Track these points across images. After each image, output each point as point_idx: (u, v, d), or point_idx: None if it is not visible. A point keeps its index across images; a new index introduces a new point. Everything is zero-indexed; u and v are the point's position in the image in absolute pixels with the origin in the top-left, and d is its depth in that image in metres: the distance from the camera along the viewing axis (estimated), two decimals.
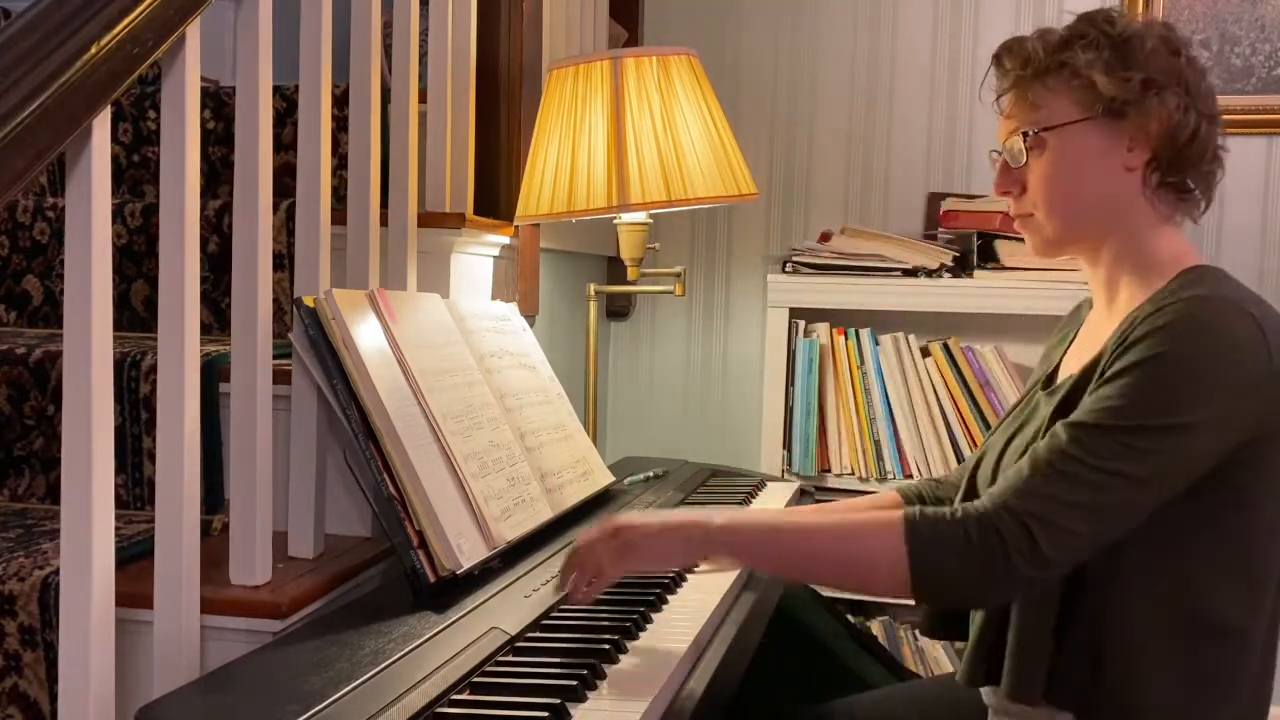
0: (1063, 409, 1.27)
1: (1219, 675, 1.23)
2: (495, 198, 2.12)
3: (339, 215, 1.58)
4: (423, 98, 1.86)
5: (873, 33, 2.93)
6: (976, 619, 1.32)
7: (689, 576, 1.49)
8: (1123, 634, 1.22)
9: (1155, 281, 1.28)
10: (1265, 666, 1.27)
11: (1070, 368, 1.37)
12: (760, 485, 2.10)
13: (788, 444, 2.65)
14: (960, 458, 2.56)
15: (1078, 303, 1.51)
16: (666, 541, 1.27)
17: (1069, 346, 1.44)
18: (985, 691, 1.37)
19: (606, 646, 1.17)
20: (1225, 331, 1.18)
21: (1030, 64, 1.31)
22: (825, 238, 2.76)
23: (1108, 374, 1.21)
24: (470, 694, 1.07)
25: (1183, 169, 1.29)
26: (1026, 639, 1.25)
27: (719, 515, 1.27)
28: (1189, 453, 1.17)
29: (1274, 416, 1.20)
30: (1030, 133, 1.31)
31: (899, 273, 2.60)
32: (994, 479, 1.36)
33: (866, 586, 1.31)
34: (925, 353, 2.64)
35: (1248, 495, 1.22)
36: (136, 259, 2.00)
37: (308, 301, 1.40)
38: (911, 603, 1.27)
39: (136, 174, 2.30)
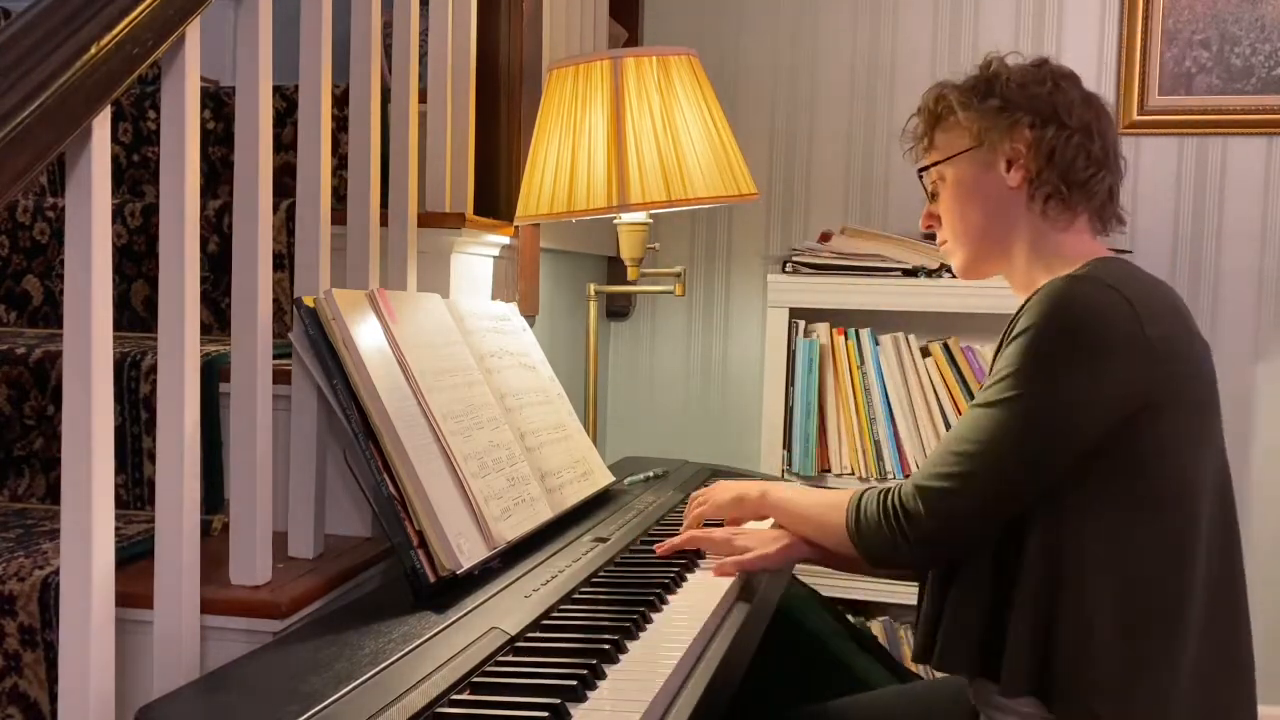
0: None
1: (1154, 656, 1.26)
2: (495, 198, 2.12)
3: (339, 215, 1.58)
4: (423, 98, 1.86)
5: (873, 33, 2.93)
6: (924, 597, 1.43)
7: (689, 576, 1.49)
8: (1070, 613, 1.27)
9: None
10: (1211, 654, 1.29)
11: None
12: None
13: (788, 444, 2.65)
14: None
15: None
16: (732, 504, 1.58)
17: None
18: (970, 690, 1.40)
19: (606, 646, 1.17)
20: (1088, 303, 1.27)
21: (925, 115, 1.50)
22: (825, 238, 2.76)
23: (994, 357, 1.35)
24: (470, 694, 1.07)
25: (1055, 179, 1.40)
26: (954, 615, 1.34)
27: (769, 491, 1.55)
28: (1064, 418, 1.26)
29: (1160, 384, 1.27)
30: (925, 166, 1.50)
31: (899, 273, 2.60)
32: None
33: (834, 546, 1.46)
34: (925, 353, 2.64)
35: (1154, 465, 1.28)
36: (136, 259, 2.00)
37: (308, 301, 1.40)
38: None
39: (136, 174, 2.30)
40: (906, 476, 2.58)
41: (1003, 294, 2.54)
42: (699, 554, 1.58)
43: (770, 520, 1.57)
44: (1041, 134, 1.40)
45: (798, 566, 1.90)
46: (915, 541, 1.33)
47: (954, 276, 2.55)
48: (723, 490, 1.60)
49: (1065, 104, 1.41)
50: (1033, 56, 1.48)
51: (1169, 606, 1.28)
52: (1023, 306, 1.32)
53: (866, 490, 1.41)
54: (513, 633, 1.20)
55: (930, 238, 2.72)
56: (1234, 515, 1.36)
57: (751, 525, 1.60)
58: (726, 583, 1.45)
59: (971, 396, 2.57)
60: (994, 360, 1.35)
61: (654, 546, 1.57)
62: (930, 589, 1.39)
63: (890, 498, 1.36)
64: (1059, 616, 1.27)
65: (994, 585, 1.32)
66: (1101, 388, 1.26)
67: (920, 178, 1.52)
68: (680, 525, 1.63)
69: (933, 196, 1.51)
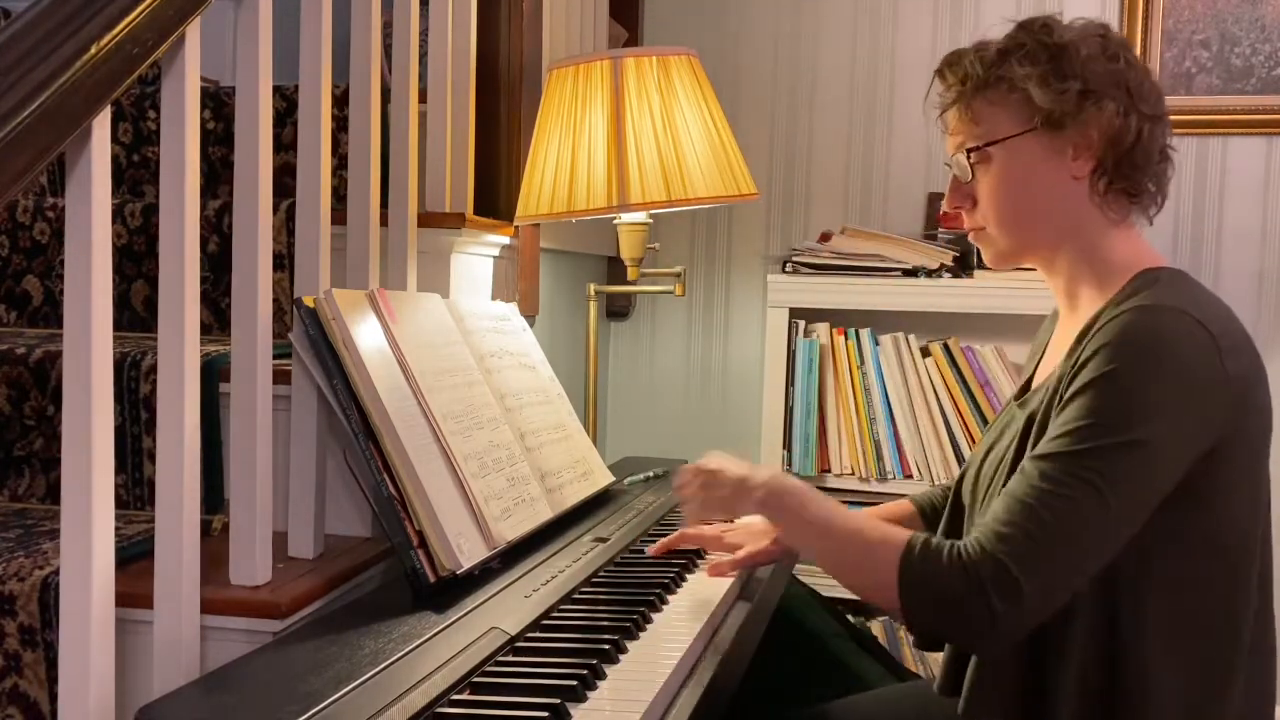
0: (1030, 422, 1.27)
1: (1216, 678, 1.22)
2: (495, 198, 2.12)
3: (339, 215, 1.58)
4: (423, 98, 1.86)
5: (873, 33, 2.93)
6: None
7: (689, 576, 1.49)
8: (1127, 661, 1.20)
9: (1112, 286, 1.28)
10: (1258, 668, 1.26)
11: (1040, 378, 1.37)
12: None
13: (788, 444, 2.65)
14: (960, 458, 2.56)
15: (1050, 312, 1.51)
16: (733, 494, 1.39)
17: (1041, 357, 1.45)
18: None
19: (606, 646, 1.17)
20: (1173, 343, 1.16)
21: (969, 79, 1.32)
22: (825, 238, 2.76)
23: (1064, 398, 1.20)
24: (470, 694, 1.07)
25: (1130, 173, 1.28)
26: (990, 664, 1.24)
27: (773, 482, 1.35)
28: (1151, 467, 1.15)
29: (1232, 423, 1.19)
30: (974, 148, 1.32)
31: (899, 273, 2.60)
32: (974, 489, 1.37)
33: (862, 594, 1.30)
34: (925, 353, 2.64)
35: (1218, 498, 1.20)
36: (136, 259, 2.00)
37: (308, 301, 1.40)
38: None
39: (136, 174, 2.30)
40: (907, 477, 2.60)
41: (1003, 294, 2.56)
42: (699, 553, 1.58)
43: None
44: (1125, 123, 1.25)
45: (797, 566, 1.90)
46: (1007, 622, 1.14)
47: (954, 276, 2.59)
48: (719, 484, 1.42)
49: (1138, 85, 1.27)
50: (1083, 20, 1.32)
51: (1225, 655, 1.21)
52: (1090, 334, 1.21)
53: (919, 541, 1.19)
54: (513, 633, 1.20)
55: (931, 236, 2.74)
56: (1270, 555, 1.28)
57: (744, 520, 1.57)
58: (726, 583, 1.45)
59: (972, 396, 2.57)
60: (1060, 393, 1.21)
61: (646, 548, 1.57)
62: None
63: (976, 566, 1.14)
64: (1114, 665, 1.19)
65: (1037, 640, 1.21)
66: (1187, 429, 1.16)
67: (968, 155, 1.32)
68: (679, 526, 1.63)
69: (963, 174, 1.34)
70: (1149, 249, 1.33)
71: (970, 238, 1.39)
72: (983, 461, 1.38)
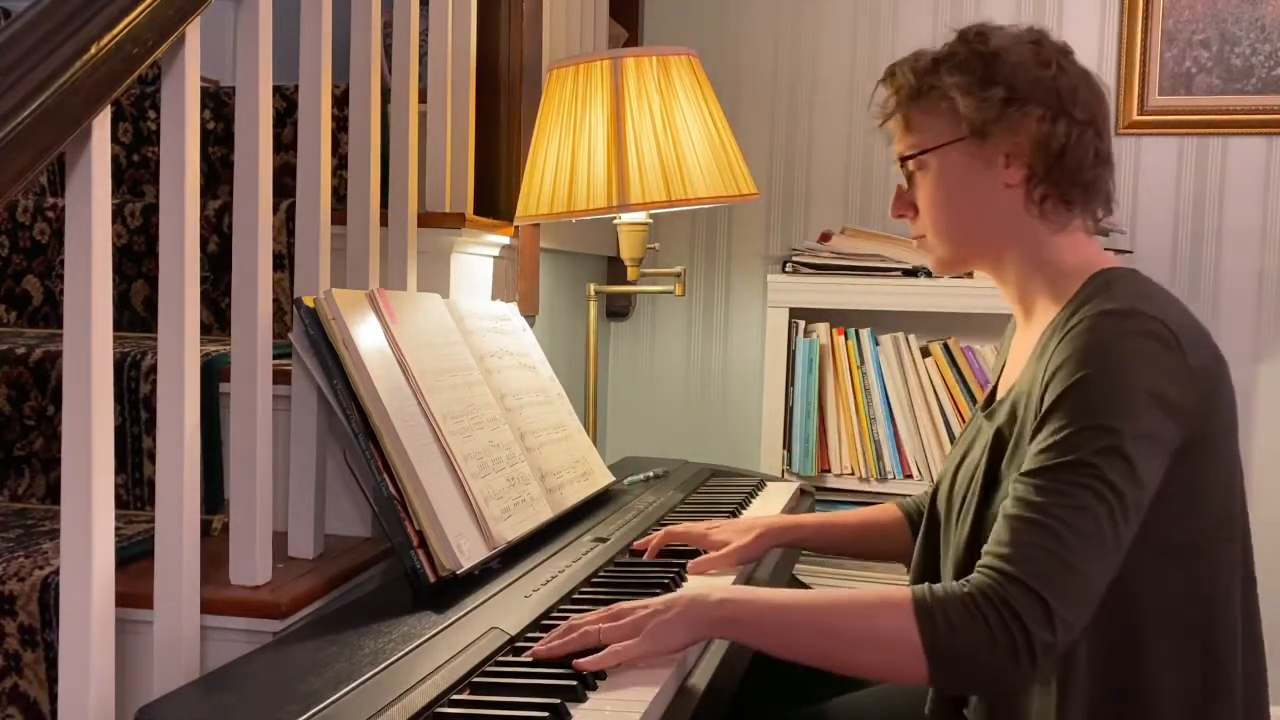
0: (1000, 436, 1.26)
1: (1219, 679, 1.22)
2: (495, 198, 2.12)
3: (339, 215, 1.58)
4: (423, 98, 1.86)
5: (873, 33, 2.93)
6: None
7: (689, 576, 1.49)
8: (1134, 658, 1.19)
9: (1065, 291, 1.27)
10: (1252, 665, 1.26)
11: (1004, 387, 1.37)
12: (760, 485, 2.10)
13: (788, 444, 2.65)
14: None
15: (1011, 321, 1.50)
16: (669, 626, 1.14)
17: (1004, 365, 1.45)
18: None
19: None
20: (1135, 343, 1.16)
21: (903, 89, 1.33)
22: (825, 238, 2.76)
23: (1041, 415, 1.18)
24: (470, 694, 1.07)
25: (1061, 179, 1.27)
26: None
27: (717, 590, 1.18)
28: (1141, 463, 1.14)
29: (1203, 415, 1.19)
30: (907, 157, 1.33)
31: (899, 273, 2.60)
32: (949, 501, 1.36)
33: (884, 671, 1.17)
34: (925, 353, 2.64)
35: (1201, 492, 1.20)
36: (136, 259, 2.00)
37: (308, 301, 1.40)
38: None
39: (136, 174, 2.30)
40: (907, 477, 2.59)
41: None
42: (698, 552, 1.58)
43: (748, 511, 1.49)
44: (1052, 130, 1.26)
45: (798, 566, 1.90)
46: (1051, 646, 1.08)
47: (954, 277, 2.58)
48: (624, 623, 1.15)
49: (1070, 91, 1.27)
50: (1023, 26, 1.33)
51: (1224, 648, 1.20)
52: (1051, 343, 1.21)
53: (924, 600, 1.11)
54: (513, 633, 1.20)
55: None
56: (1249, 542, 1.28)
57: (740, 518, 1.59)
58: (726, 583, 1.45)
59: (972, 396, 2.57)
60: (1037, 410, 1.19)
61: (637, 549, 1.56)
62: None
63: (1001, 603, 1.08)
64: (1121, 672, 1.19)
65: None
66: (1164, 428, 1.15)
67: (903, 164, 1.35)
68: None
69: (908, 180, 1.36)
70: (1098, 251, 1.33)
71: (915, 245, 1.40)
72: (955, 473, 1.37)
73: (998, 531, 1.15)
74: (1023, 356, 1.31)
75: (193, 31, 1.21)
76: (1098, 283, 1.25)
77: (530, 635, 1.22)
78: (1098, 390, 1.14)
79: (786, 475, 2.62)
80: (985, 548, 1.16)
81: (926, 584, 1.14)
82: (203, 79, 1.73)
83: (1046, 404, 1.17)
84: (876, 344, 2.64)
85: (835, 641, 1.13)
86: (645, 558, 1.54)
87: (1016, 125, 1.26)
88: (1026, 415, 1.22)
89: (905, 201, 1.37)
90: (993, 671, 1.09)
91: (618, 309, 3.06)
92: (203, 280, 1.93)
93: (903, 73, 1.34)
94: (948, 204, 1.32)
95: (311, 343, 1.39)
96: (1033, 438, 1.18)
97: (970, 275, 2.58)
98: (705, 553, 1.53)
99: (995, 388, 1.44)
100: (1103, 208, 1.33)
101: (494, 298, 2.06)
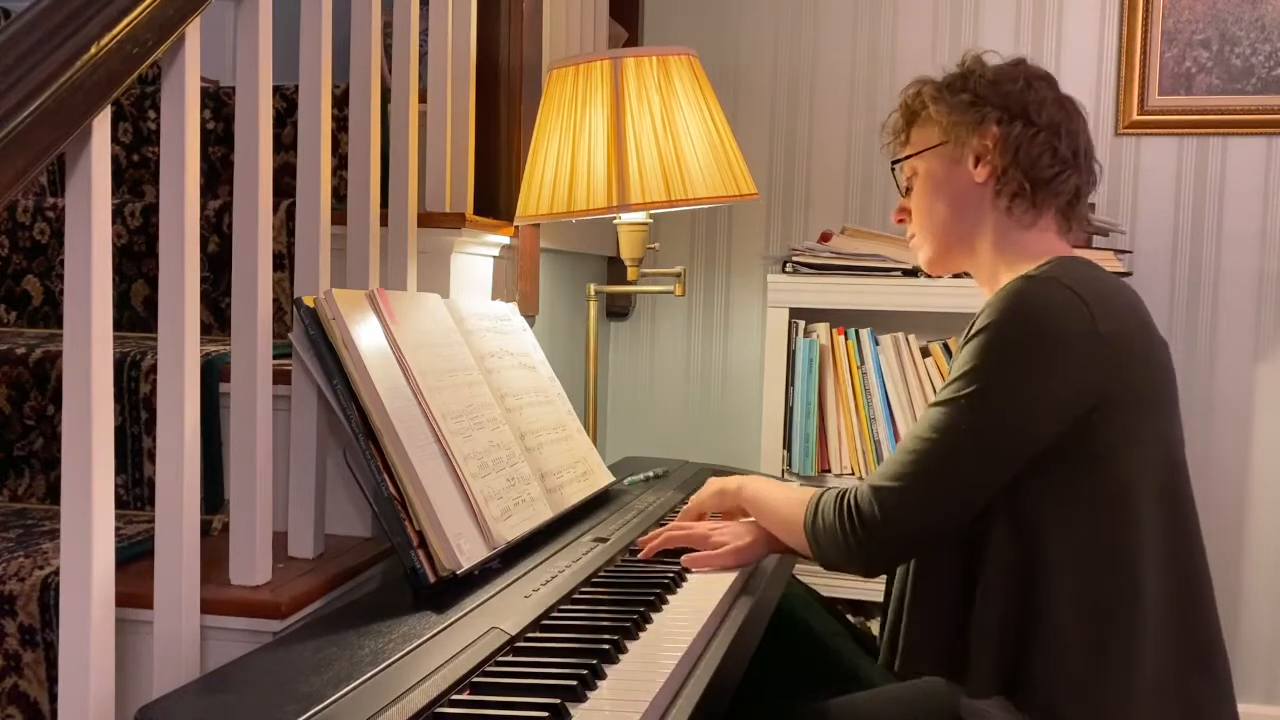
0: None
1: (1112, 652, 1.27)
2: (495, 198, 2.12)
3: (339, 215, 1.58)
4: (423, 98, 1.86)
5: (873, 33, 2.93)
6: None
7: (689, 576, 1.49)
8: (1031, 610, 1.29)
9: None
10: (1175, 653, 1.31)
11: None
12: None
13: (788, 444, 2.65)
14: None
15: None
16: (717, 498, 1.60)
17: None
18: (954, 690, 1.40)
19: (606, 646, 1.17)
20: (1044, 302, 1.29)
21: (906, 111, 1.53)
22: (825, 238, 2.76)
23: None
24: (470, 694, 1.07)
25: (1019, 176, 1.41)
26: (915, 618, 1.36)
27: (745, 484, 1.57)
28: (1020, 415, 1.28)
29: (1115, 380, 1.29)
30: (896, 161, 1.53)
31: (899, 273, 2.60)
32: None
33: (796, 546, 1.48)
34: (925, 353, 2.64)
35: (1113, 458, 1.29)
36: (136, 259, 2.00)
37: (308, 301, 1.40)
38: None
39: (136, 174, 2.30)
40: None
41: None
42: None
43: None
44: (1008, 130, 1.41)
45: (798, 566, 1.90)
46: (868, 545, 1.33)
47: (954, 276, 2.57)
48: (706, 486, 1.63)
49: (1036, 102, 1.42)
50: (1012, 57, 1.50)
51: (1122, 606, 1.29)
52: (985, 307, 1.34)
53: (826, 491, 1.41)
54: (513, 633, 1.20)
55: None
56: (1191, 513, 1.37)
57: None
58: (727, 582, 1.46)
59: None
60: (954, 359, 1.37)
61: (638, 547, 1.57)
62: (894, 596, 1.40)
63: (846, 500, 1.36)
64: (1020, 615, 1.29)
65: (957, 587, 1.33)
66: (1056, 385, 1.27)
67: (894, 171, 1.55)
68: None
69: (906, 191, 1.54)
70: (1064, 247, 1.45)
71: (909, 245, 1.56)
72: None
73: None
74: None
75: (193, 31, 1.21)
76: (1044, 264, 1.36)
77: (530, 635, 1.22)
78: (990, 343, 1.29)
79: (786, 475, 2.63)
80: None
81: (833, 488, 1.41)
82: (203, 79, 1.73)
83: (961, 348, 1.34)
84: (876, 344, 2.64)
85: (780, 522, 1.49)
86: (640, 556, 1.54)
87: (978, 127, 1.43)
88: None
89: (902, 207, 1.56)
90: (836, 555, 1.38)
91: (618, 309, 3.06)
92: (203, 280, 1.93)
93: (904, 97, 1.53)
94: (929, 203, 1.49)
95: (311, 343, 1.39)
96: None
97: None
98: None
99: None
100: (1074, 210, 1.45)
101: (494, 298, 2.06)
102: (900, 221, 1.56)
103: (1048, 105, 1.43)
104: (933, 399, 1.34)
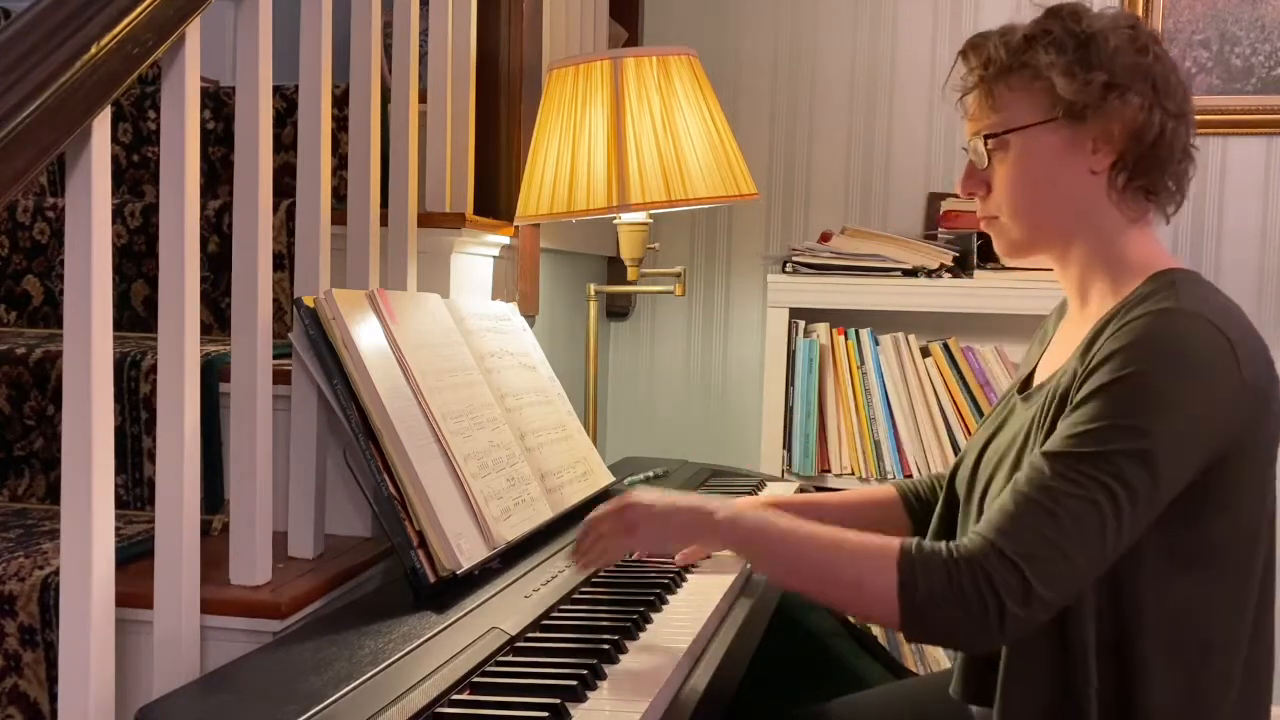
0: (1038, 419, 1.25)
1: (1212, 686, 1.21)
2: (495, 198, 2.12)
3: (339, 215, 1.58)
4: (423, 98, 1.86)
5: (873, 33, 2.93)
6: None
7: (689, 576, 1.49)
8: (1129, 655, 1.19)
9: (1126, 285, 1.26)
10: (1251, 671, 1.25)
11: (1044, 373, 1.35)
12: (760, 485, 2.10)
13: (788, 444, 2.65)
14: None
15: (1058, 304, 1.49)
16: (666, 526, 1.33)
17: (1045, 349, 1.43)
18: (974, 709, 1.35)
19: (606, 646, 1.17)
20: (1191, 348, 1.15)
21: (991, 64, 1.28)
22: (825, 238, 2.76)
23: (1077, 398, 1.18)
24: (470, 694, 1.07)
25: (1149, 170, 1.26)
26: (1014, 689, 1.21)
27: (726, 507, 1.29)
28: (1165, 472, 1.13)
29: (1248, 429, 1.18)
30: (992, 135, 1.29)
31: (899, 273, 2.60)
32: (970, 482, 1.35)
33: (853, 607, 1.30)
34: (925, 353, 2.64)
35: (1228, 503, 1.19)
36: (136, 259, 2.00)
37: (308, 301, 1.40)
38: None
39: (136, 174, 2.30)
40: (907, 476, 2.59)
41: (1003, 295, 2.56)
42: None
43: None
44: (1149, 119, 1.23)
45: None
46: (1020, 619, 1.11)
47: (954, 277, 2.59)
48: (657, 517, 1.33)
49: (1164, 80, 1.24)
50: (1114, 9, 1.30)
51: (1224, 665, 1.20)
52: (1104, 335, 1.20)
53: (907, 545, 1.16)
54: (513, 633, 1.20)
55: (931, 236, 2.74)
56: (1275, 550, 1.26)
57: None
58: (726, 582, 1.46)
59: (972, 396, 2.57)
60: (1071, 396, 1.19)
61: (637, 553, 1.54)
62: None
63: (975, 566, 1.11)
64: (1122, 673, 1.19)
65: (1056, 655, 1.19)
66: (1203, 430, 1.15)
67: (985, 141, 1.30)
68: None
69: (979, 160, 1.31)
70: (1163, 250, 1.31)
71: (982, 226, 1.37)
72: (980, 454, 1.36)
73: (1003, 501, 1.16)
74: (1069, 345, 1.30)
75: (193, 31, 1.21)
76: (1161, 281, 1.23)
77: (530, 635, 1.22)
78: (1142, 389, 1.13)
79: (786, 475, 2.63)
80: (987, 514, 1.17)
81: (916, 540, 1.16)
82: (203, 79, 1.73)
83: (1087, 389, 1.16)
84: (876, 344, 2.64)
85: (824, 581, 1.21)
86: (634, 556, 1.54)
87: (1114, 111, 1.23)
88: (1066, 398, 1.21)
89: (979, 179, 1.33)
90: (959, 634, 1.15)
91: (618, 309, 3.06)
92: (203, 280, 1.93)
93: (995, 47, 1.28)
94: (1029, 185, 1.29)
95: (311, 343, 1.39)
96: (1066, 418, 1.18)
97: (971, 272, 2.58)
98: None
99: (1033, 372, 1.42)
100: (1176, 204, 1.32)
101: (494, 298, 2.06)
102: (970, 195, 1.34)
103: (1173, 83, 1.24)
104: (1068, 445, 1.15)
